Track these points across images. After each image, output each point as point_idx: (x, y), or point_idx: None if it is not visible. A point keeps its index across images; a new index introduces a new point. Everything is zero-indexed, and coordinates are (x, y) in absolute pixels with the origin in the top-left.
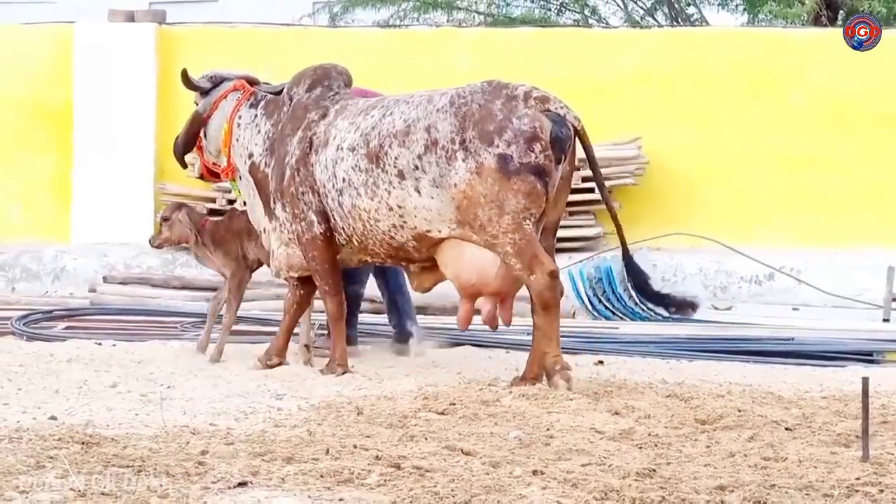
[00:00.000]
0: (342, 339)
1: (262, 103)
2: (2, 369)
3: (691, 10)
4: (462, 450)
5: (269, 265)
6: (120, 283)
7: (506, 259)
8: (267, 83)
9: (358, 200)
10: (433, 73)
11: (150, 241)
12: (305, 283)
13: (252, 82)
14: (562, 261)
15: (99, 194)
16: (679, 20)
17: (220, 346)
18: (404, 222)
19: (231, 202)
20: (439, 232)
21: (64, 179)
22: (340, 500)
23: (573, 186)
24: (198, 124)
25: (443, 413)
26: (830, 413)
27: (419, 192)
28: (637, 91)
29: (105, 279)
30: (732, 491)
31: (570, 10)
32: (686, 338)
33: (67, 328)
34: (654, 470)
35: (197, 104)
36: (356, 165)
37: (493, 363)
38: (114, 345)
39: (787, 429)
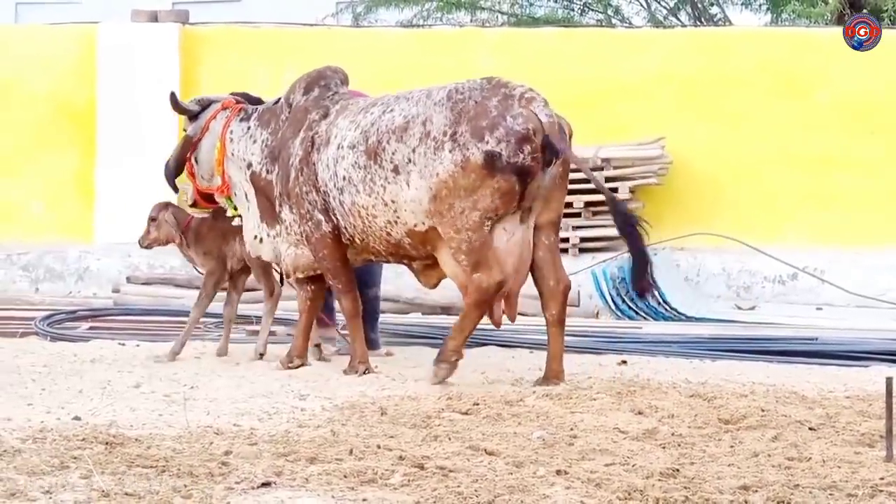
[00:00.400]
0: (361, 336)
1: (255, 115)
2: (26, 370)
3: (714, 9)
4: (486, 450)
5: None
6: (143, 284)
7: (456, 255)
8: (256, 97)
9: (357, 197)
10: (456, 74)
11: (139, 242)
12: (314, 280)
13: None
14: (585, 261)
15: (122, 194)
16: (702, 20)
17: (183, 339)
18: (398, 217)
19: None
20: (423, 224)
21: (87, 179)
22: (364, 500)
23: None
24: (188, 148)
25: (466, 413)
26: (854, 413)
27: (409, 184)
28: (660, 91)
29: (128, 279)
30: (756, 491)
31: (593, 10)
32: (709, 337)
33: (91, 328)
34: (678, 470)
35: (185, 130)
36: (356, 163)
37: (516, 363)
38: (137, 345)
39: (810, 429)
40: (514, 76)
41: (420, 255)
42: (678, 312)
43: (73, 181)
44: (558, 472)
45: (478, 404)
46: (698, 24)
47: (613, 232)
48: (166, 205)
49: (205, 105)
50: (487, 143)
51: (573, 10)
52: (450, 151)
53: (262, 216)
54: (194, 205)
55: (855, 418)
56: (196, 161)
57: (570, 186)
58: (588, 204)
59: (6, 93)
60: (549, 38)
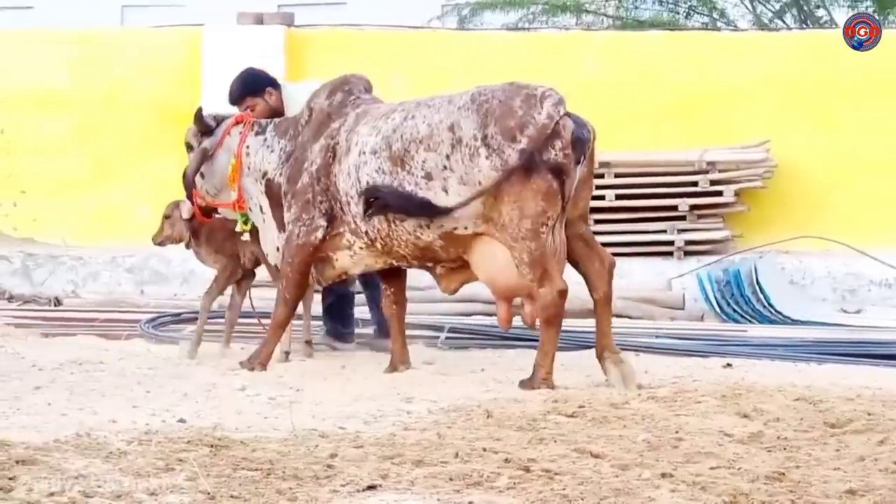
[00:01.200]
0: (273, 344)
1: (270, 127)
2: (131, 372)
3: (821, 12)
4: (591, 452)
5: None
6: None
7: (520, 266)
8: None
9: None
10: (561, 77)
11: (152, 239)
12: (391, 280)
13: (274, 84)
14: (690, 264)
15: None
16: (808, 22)
17: (196, 337)
18: (431, 221)
19: None
20: (465, 229)
21: None
22: (470, 503)
23: (702, 190)
24: (203, 161)
25: (572, 416)
26: None
27: (446, 191)
28: (765, 94)
29: None
30: (863, 495)
31: (698, 13)
32: (815, 341)
33: None
34: (784, 473)
35: (190, 146)
36: (379, 168)
37: None
38: (242, 348)
39: None
40: (619, 79)
41: (449, 257)
42: (783, 316)
43: (177, 185)
44: (663, 475)
45: (583, 407)
46: (804, 26)
47: (718, 235)
48: (178, 203)
49: (219, 121)
50: (520, 142)
51: (678, 13)
52: (486, 157)
53: (279, 226)
54: (191, 219)
55: None
56: (202, 175)
57: (674, 190)
58: (693, 207)
59: (112, 96)
60: (655, 41)
